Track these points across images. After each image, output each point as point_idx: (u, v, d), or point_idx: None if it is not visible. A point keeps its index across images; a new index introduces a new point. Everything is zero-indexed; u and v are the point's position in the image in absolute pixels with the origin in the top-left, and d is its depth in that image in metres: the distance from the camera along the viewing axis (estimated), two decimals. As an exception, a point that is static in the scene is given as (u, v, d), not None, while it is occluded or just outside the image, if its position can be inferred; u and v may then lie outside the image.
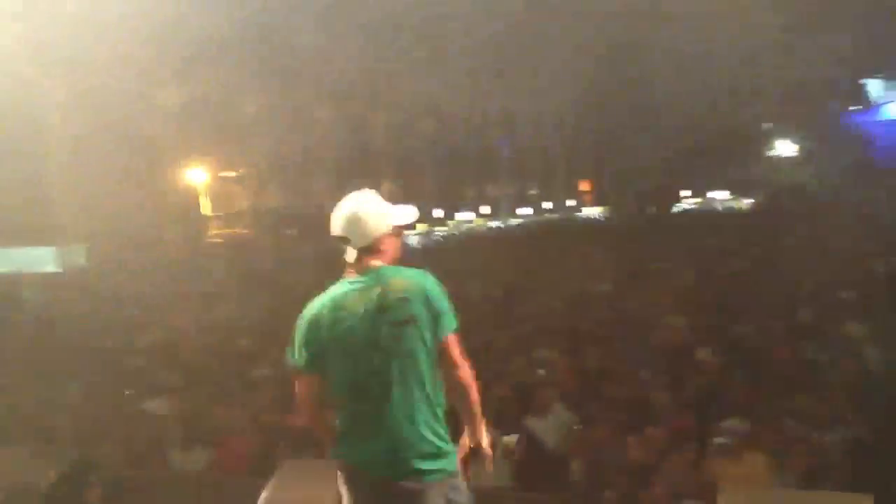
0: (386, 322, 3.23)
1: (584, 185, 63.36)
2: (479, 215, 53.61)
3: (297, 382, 3.41)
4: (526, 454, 6.95)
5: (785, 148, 50.32)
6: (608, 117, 43.33)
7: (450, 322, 3.31)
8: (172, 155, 28.56)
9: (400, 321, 3.23)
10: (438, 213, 47.91)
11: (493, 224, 51.21)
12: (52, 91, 24.20)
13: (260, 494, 5.35)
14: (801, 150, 48.24)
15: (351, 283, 3.37)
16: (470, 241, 36.38)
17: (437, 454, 3.28)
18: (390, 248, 3.44)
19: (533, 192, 60.74)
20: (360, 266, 3.38)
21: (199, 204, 30.94)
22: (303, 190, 36.65)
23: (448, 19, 29.40)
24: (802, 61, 38.74)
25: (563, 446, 7.28)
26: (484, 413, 3.45)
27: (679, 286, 14.65)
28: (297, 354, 3.37)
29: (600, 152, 52.15)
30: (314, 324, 3.34)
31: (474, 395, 3.36)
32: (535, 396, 7.84)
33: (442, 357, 3.29)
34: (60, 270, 23.46)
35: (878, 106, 46.81)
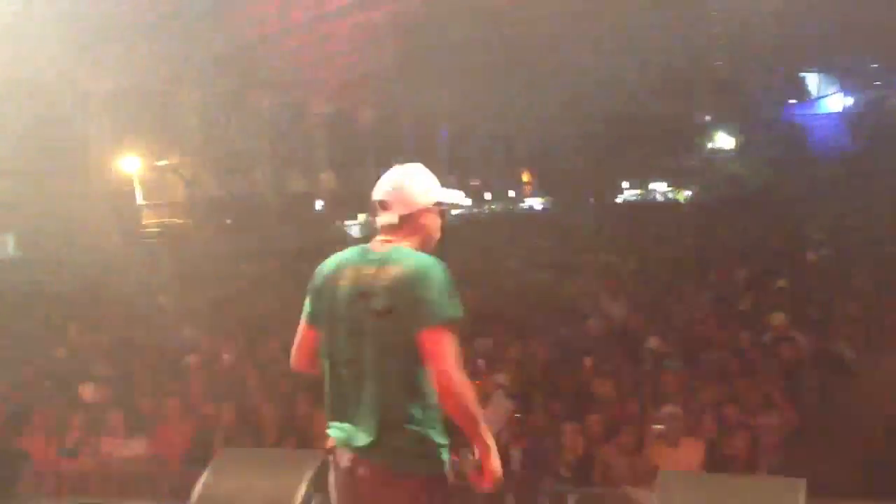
0: (365, 310, 3.02)
1: (525, 176, 63.79)
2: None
3: (298, 330, 3.30)
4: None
5: (723, 140, 51.28)
6: (548, 105, 43.52)
7: (431, 315, 2.93)
8: (105, 144, 27.87)
9: (379, 311, 2.98)
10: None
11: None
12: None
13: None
14: (739, 142, 49.19)
15: (361, 253, 3.17)
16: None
17: (408, 453, 3.01)
18: (428, 225, 3.23)
19: (474, 182, 60.89)
20: (387, 239, 3.17)
21: (132, 193, 30.26)
22: (240, 179, 36.17)
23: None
24: (741, 53, 39.40)
25: (502, 434, 7.27)
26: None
27: (616, 275, 14.81)
28: (305, 303, 3.25)
29: (540, 141, 52.45)
30: (319, 281, 3.21)
31: (458, 401, 2.94)
32: (474, 385, 7.80)
33: (421, 350, 2.95)
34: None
35: (816, 99, 47.99)
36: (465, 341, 9.97)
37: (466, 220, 41.03)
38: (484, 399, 7.67)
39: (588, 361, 8.86)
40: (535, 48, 35.23)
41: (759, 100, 45.31)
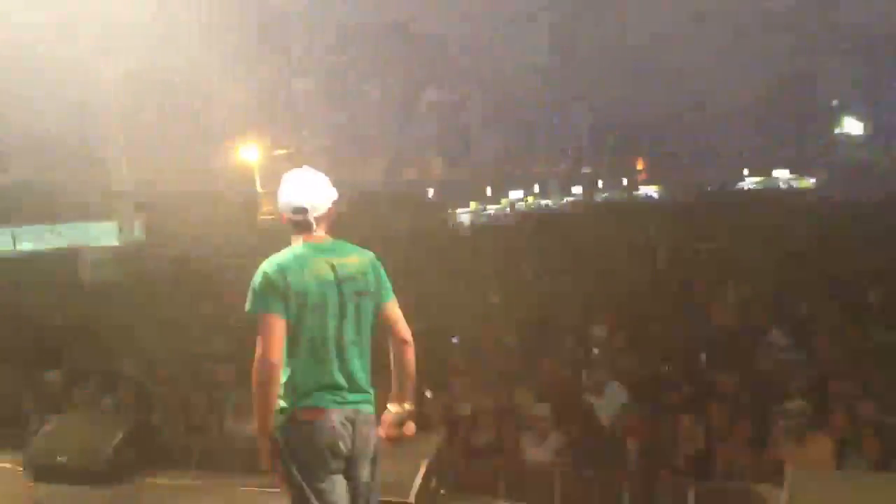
0: (349, 291, 3.69)
1: (638, 164, 62.66)
2: (530, 193, 53.29)
3: (268, 327, 3.61)
4: (581, 432, 6.85)
5: (852, 126, 49.09)
6: (665, 95, 42.57)
7: (389, 290, 3.83)
8: (228, 134, 28.85)
9: (360, 292, 3.71)
10: (490, 191, 47.80)
11: (544, 202, 50.91)
12: (112, 71, 24.52)
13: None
14: (867, 128, 47.02)
15: (311, 247, 3.73)
16: (523, 220, 36.13)
17: (371, 400, 3.80)
18: (332, 218, 3.84)
19: (586, 170, 60.24)
20: (315, 235, 3.76)
21: (253, 181, 31.20)
22: (352, 167, 36.83)
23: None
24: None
25: (618, 425, 7.15)
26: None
27: (737, 265, 14.34)
28: (266, 302, 3.63)
29: (656, 130, 51.38)
30: (282, 277, 3.64)
31: (413, 357, 3.88)
32: (590, 375, 7.73)
33: (387, 318, 3.82)
34: (118, 244, 23.91)
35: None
36: (579, 329, 9.96)
37: (577, 208, 40.62)
38: (597, 389, 7.58)
39: (708, 352, 8.61)
40: (652, 38, 34.54)
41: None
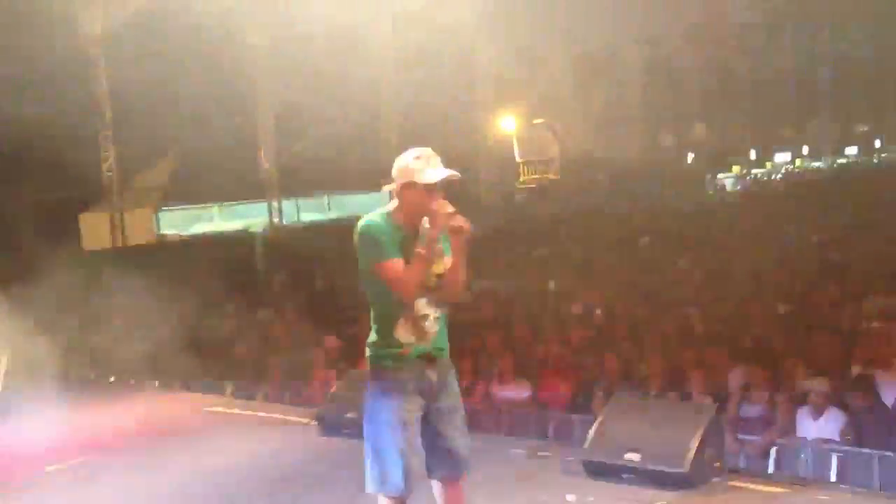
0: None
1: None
2: (799, 156, 50.07)
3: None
4: (866, 410, 6.56)
5: None
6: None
7: (365, 260, 3.90)
8: (488, 102, 29.71)
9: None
10: (753, 153, 45.48)
11: (815, 165, 47.74)
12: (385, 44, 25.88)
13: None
14: None
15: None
16: (789, 186, 34.20)
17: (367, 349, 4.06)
18: (406, 201, 3.91)
19: (863, 128, 55.59)
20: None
21: (512, 149, 31.90)
22: (610, 136, 36.51)
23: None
24: None
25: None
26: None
27: None
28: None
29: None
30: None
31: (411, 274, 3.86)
32: (874, 349, 7.34)
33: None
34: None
35: None
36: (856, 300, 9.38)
37: (853, 170, 37.72)
38: (885, 365, 7.19)
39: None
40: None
41: None
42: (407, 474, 3.83)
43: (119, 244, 21.46)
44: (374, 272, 3.83)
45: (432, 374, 3.95)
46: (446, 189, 3.91)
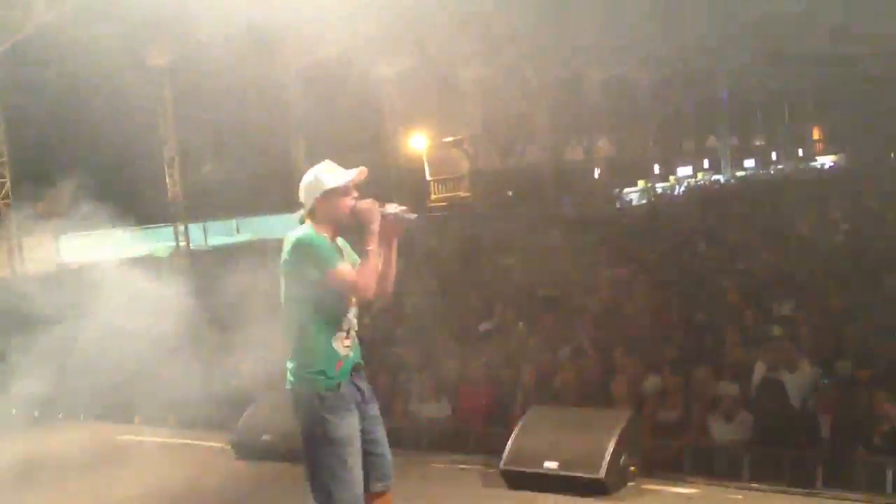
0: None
1: (815, 132, 59.53)
2: (700, 169, 51.63)
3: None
4: (770, 409, 6.76)
5: None
6: (839, 56, 40.06)
7: (311, 272, 3.79)
8: (396, 122, 29.71)
9: (280, 273, 3.88)
10: (657, 168, 46.68)
11: (715, 178, 49.23)
12: (289, 64, 25.63)
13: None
14: None
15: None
16: (690, 198, 35.18)
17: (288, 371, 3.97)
18: (326, 213, 3.89)
19: (758, 142, 57.73)
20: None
21: (422, 169, 32.01)
22: (519, 152, 36.98)
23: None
24: None
25: (810, 403, 6.99)
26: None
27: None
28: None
29: (833, 95, 48.55)
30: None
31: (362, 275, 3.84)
32: (778, 352, 7.57)
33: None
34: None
35: None
36: (763, 306, 9.66)
37: (751, 182, 39.05)
38: (789, 365, 7.41)
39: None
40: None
41: None
42: (356, 499, 3.81)
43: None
44: (327, 280, 3.75)
45: (362, 384, 3.94)
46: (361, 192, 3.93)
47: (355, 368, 3.93)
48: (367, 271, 3.81)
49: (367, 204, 3.87)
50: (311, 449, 3.82)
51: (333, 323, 3.86)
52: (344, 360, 3.87)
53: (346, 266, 3.83)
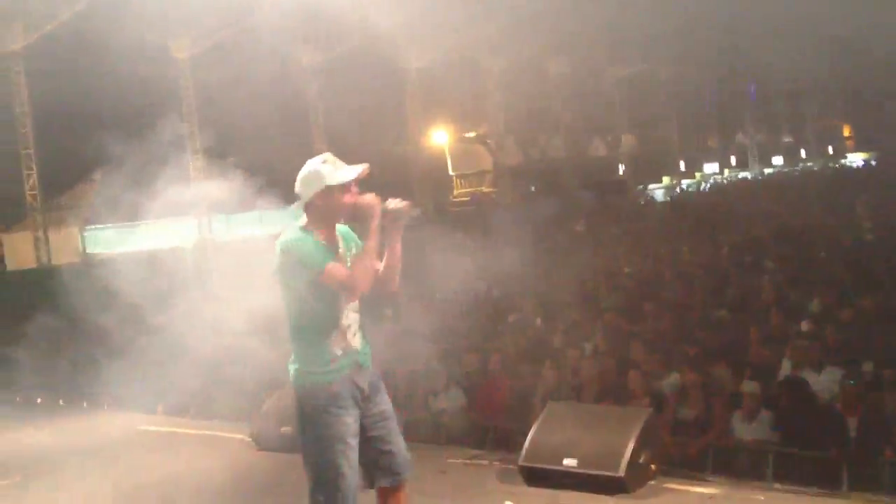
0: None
1: (845, 130, 58.89)
2: (727, 166, 51.14)
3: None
4: (796, 409, 6.65)
5: None
6: (871, 53, 39.47)
7: (302, 273, 3.78)
8: (418, 116, 29.66)
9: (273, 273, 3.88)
10: (683, 164, 46.28)
11: (742, 175, 48.78)
12: (308, 58, 25.66)
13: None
14: None
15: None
16: (713, 196, 34.88)
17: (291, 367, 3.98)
18: (323, 208, 3.83)
19: (787, 139, 57.14)
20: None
21: (445, 164, 31.93)
22: (541, 146, 36.85)
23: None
24: None
25: (837, 403, 6.87)
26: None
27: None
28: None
29: (864, 92, 47.91)
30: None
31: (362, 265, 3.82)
32: (805, 351, 7.47)
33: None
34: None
35: None
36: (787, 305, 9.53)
37: (778, 179, 38.65)
38: (816, 365, 7.30)
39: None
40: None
41: None
42: (350, 497, 3.77)
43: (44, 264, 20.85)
44: (322, 280, 3.73)
45: (362, 382, 3.88)
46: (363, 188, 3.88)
47: (356, 366, 3.88)
48: (361, 268, 3.77)
49: (370, 199, 3.81)
50: (304, 446, 3.85)
51: (328, 322, 3.83)
52: (340, 358, 3.83)
53: (336, 264, 3.78)
